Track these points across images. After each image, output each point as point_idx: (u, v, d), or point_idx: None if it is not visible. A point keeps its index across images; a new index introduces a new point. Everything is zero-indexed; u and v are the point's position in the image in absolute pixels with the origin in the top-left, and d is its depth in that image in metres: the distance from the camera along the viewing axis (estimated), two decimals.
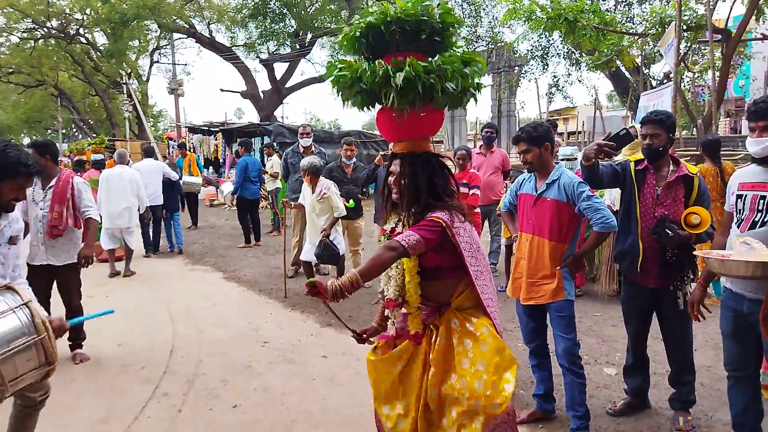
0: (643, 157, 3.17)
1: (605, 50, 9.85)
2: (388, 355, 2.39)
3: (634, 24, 14.55)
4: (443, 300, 2.35)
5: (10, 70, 32.21)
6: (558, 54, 18.39)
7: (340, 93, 2.28)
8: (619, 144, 3.08)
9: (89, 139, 29.00)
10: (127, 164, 8.02)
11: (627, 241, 3.17)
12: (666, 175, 3.09)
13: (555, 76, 19.22)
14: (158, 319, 5.42)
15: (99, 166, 8.73)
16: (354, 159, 6.48)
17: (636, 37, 10.67)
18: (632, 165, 3.18)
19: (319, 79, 23.12)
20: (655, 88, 11.22)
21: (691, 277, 3.05)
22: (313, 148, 7.18)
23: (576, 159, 5.14)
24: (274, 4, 19.47)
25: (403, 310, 2.36)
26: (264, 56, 22.55)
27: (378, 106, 2.30)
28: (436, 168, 2.34)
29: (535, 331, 3.28)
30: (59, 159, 4.61)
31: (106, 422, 3.39)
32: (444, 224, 2.19)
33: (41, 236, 4.18)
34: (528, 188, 3.23)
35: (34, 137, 53.92)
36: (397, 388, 2.36)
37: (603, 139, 3.06)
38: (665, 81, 12.95)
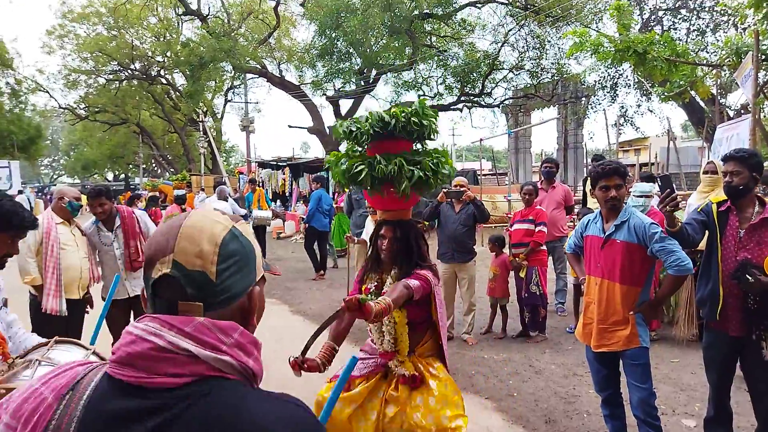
0: (725, 197, 3.02)
1: (678, 81, 9.50)
2: (344, 396, 2.64)
3: (708, 53, 14.02)
4: (410, 348, 2.73)
5: (97, 109, 35.03)
6: (627, 84, 17.92)
7: (349, 180, 2.83)
8: (666, 185, 2.96)
9: (170, 175, 30.80)
10: (225, 199, 8.54)
11: (707, 286, 3.01)
12: (750, 217, 2.93)
13: (623, 107, 18.71)
14: None
15: (180, 201, 9.24)
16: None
17: (710, 68, 10.27)
18: (714, 206, 3.04)
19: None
20: (732, 119, 10.68)
21: None
22: None
23: (653, 197, 4.94)
24: (341, 43, 20.15)
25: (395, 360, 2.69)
26: (330, 93, 23.28)
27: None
28: (419, 234, 2.81)
29: (607, 379, 3.14)
30: (140, 194, 4.95)
31: None
32: (431, 282, 2.61)
33: (123, 273, 4.43)
34: (594, 230, 3.13)
35: (117, 172, 57.91)
36: (348, 427, 2.63)
37: (638, 180, 2.97)
38: (743, 112, 12.31)
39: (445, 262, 5.70)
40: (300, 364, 2.39)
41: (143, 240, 4.59)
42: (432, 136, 2.92)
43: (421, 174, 2.71)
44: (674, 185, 3.31)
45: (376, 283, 2.81)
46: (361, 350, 2.93)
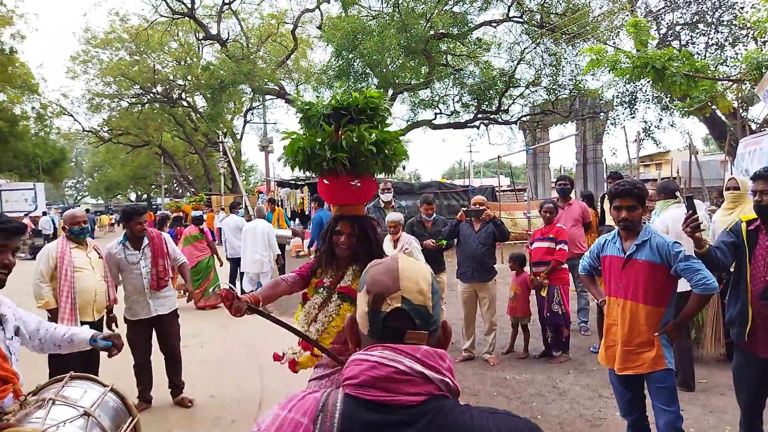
0: (755, 216, 2.97)
1: (698, 96, 9.40)
2: None
3: (728, 66, 13.86)
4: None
5: (120, 132, 35.91)
6: (647, 99, 17.77)
7: (297, 161, 2.69)
8: (690, 207, 2.91)
9: (190, 195, 31.26)
10: (264, 217, 8.74)
11: (736, 306, 2.95)
12: None
13: (645, 122, 18.53)
14: (248, 371, 5.59)
15: (198, 222, 9.35)
16: (434, 215, 6.52)
17: (731, 83, 10.16)
18: (744, 225, 2.99)
19: (399, 134, 23.71)
20: (754, 132, 10.53)
21: None
22: (393, 203, 7.32)
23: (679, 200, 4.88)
24: (358, 64, 20.39)
25: (307, 352, 2.61)
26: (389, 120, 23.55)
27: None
28: (375, 228, 2.75)
29: (632, 403, 3.07)
30: (168, 215, 5.06)
31: None
32: None
33: (148, 291, 4.51)
34: (613, 250, 3.08)
35: (140, 192, 58.93)
36: None
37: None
38: (765, 127, 12.12)
39: (465, 282, 5.66)
40: (230, 297, 2.34)
41: (170, 260, 4.72)
42: (385, 124, 2.82)
43: (383, 150, 2.63)
44: (698, 201, 3.24)
45: (331, 279, 2.73)
46: (316, 367, 2.79)
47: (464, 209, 5.64)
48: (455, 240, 5.98)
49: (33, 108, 31.68)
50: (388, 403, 0.94)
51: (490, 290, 5.64)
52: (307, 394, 1.04)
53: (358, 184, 2.70)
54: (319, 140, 2.59)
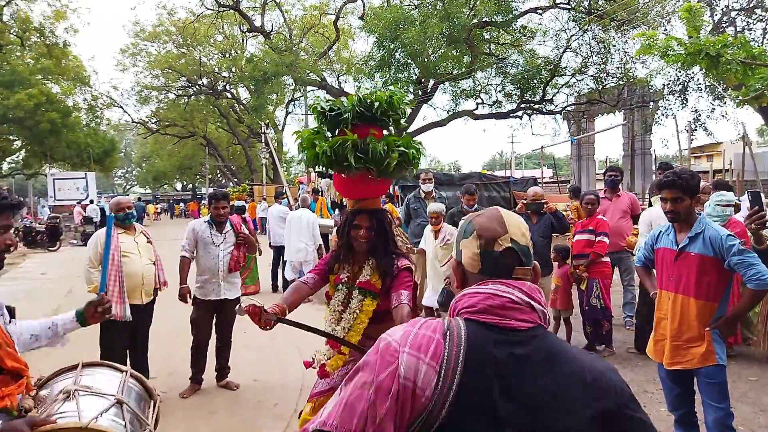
0: None
1: (754, 84, 8.96)
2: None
3: None
4: None
5: (167, 123, 36.96)
6: (699, 88, 17.09)
7: (331, 163, 2.66)
8: (756, 202, 2.78)
9: (233, 186, 31.95)
10: (308, 207, 8.88)
11: None
12: None
13: (696, 111, 17.83)
14: (289, 357, 5.69)
15: (240, 211, 9.56)
16: (476, 205, 6.47)
17: None
18: None
19: (441, 123, 23.54)
20: None
21: None
22: (434, 193, 7.29)
23: (734, 206, 4.67)
24: (400, 54, 20.30)
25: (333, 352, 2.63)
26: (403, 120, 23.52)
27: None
28: (391, 222, 2.76)
29: (681, 398, 2.99)
30: (243, 205, 5.19)
31: None
32: (413, 270, 2.62)
33: (222, 273, 4.69)
34: (666, 242, 2.99)
35: (185, 182, 60.55)
36: None
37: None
38: None
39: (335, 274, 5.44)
40: (257, 312, 2.44)
41: (244, 248, 4.91)
42: (400, 124, 2.86)
43: (404, 155, 2.65)
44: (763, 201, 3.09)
45: (348, 274, 2.72)
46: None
47: (523, 202, 5.53)
48: None
49: (85, 100, 33.02)
50: (502, 326, 1.12)
51: (548, 285, 5.56)
52: (427, 319, 1.20)
53: (378, 179, 2.71)
54: (342, 145, 2.59)
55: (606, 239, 5.42)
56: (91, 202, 24.09)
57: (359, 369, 1.16)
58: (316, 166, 2.76)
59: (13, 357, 1.85)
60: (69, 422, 1.82)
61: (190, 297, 4.71)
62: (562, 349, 1.13)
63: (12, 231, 2.01)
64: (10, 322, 2.03)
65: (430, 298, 5.94)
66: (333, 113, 2.71)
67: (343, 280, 2.71)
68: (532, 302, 1.14)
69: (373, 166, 2.60)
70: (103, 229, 4.47)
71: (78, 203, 23.48)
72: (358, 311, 2.60)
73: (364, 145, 2.57)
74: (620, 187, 6.58)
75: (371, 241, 2.65)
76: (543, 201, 5.38)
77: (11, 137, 29.94)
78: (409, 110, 22.36)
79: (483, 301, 1.14)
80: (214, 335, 4.87)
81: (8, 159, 33.36)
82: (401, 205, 9.78)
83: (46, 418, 1.77)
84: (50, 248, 17.41)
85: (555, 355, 1.11)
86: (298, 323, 2.30)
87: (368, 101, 2.64)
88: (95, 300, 2.23)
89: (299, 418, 2.77)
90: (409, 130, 25.48)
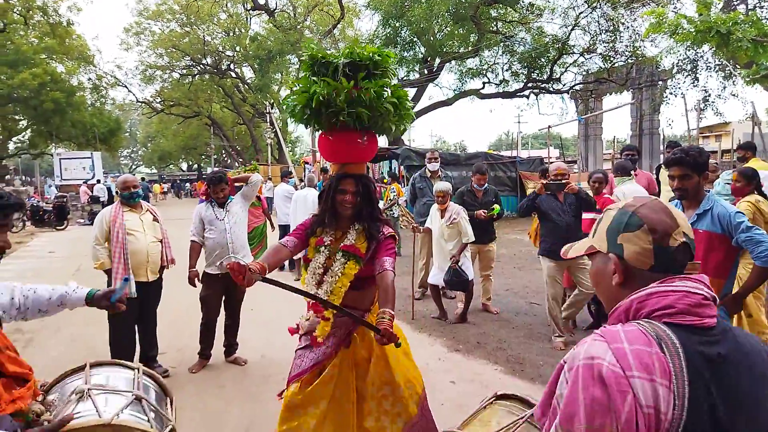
0: None
1: (765, 63, 8.84)
2: (320, 380, 2.63)
3: None
4: (365, 307, 2.68)
5: (172, 103, 36.81)
6: (708, 67, 16.85)
7: (306, 112, 2.62)
8: None
9: (238, 165, 31.89)
10: (315, 187, 8.89)
11: None
12: None
13: (706, 90, 17.60)
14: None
15: None
16: (486, 185, 6.44)
17: None
18: None
19: (447, 103, 23.37)
20: None
21: None
22: (440, 173, 7.27)
23: None
24: (405, 32, 20.10)
25: (317, 317, 2.61)
26: (394, 82, 23.34)
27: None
28: (376, 188, 2.74)
29: None
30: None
31: (250, 430, 3.66)
32: (396, 239, 2.62)
33: (232, 246, 4.73)
34: None
35: (191, 162, 60.60)
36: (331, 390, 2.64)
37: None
38: None
39: (556, 260, 5.10)
40: (241, 270, 2.21)
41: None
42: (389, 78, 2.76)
43: (397, 107, 2.61)
44: None
45: (332, 238, 2.65)
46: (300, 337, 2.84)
47: (544, 182, 5.23)
48: (503, 212, 5.81)
49: (89, 79, 32.92)
50: (698, 326, 1.06)
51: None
52: (617, 330, 1.09)
53: (365, 141, 2.65)
54: (336, 92, 2.50)
55: None
56: (98, 181, 24.16)
57: (572, 415, 1.03)
58: (301, 119, 2.67)
59: (16, 361, 1.73)
60: (90, 420, 1.70)
61: (198, 281, 4.74)
62: (749, 340, 1.12)
63: (8, 232, 1.90)
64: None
65: (436, 276, 5.96)
66: (323, 62, 2.63)
67: (326, 243, 2.65)
68: (716, 296, 1.11)
69: (366, 112, 2.52)
70: (109, 207, 4.52)
71: (84, 183, 23.56)
72: (339, 274, 2.54)
73: (357, 96, 2.51)
74: (636, 166, 6.51)
75: (357, 206, 2.61)
76: (565, 181, 5.09)
77: (17, 117, 29.97)
78: (401, 73, 22.18)
79: (680, 300, 1.08)
80: (222, 313, 4.91)
81: (14, 139, 33.42)
82: (407, 185, 9.77)
83: (67, 417, 1.66)
84: (58, 227, 17.54)
85: (744, 350, 1.09)
86: (282, 284, 2.24)
87: (359, 56, 2.58)
88: (107, 293, 2.16)
89: (283, 401, 2.77)
90: (414, 110, 25.36)
